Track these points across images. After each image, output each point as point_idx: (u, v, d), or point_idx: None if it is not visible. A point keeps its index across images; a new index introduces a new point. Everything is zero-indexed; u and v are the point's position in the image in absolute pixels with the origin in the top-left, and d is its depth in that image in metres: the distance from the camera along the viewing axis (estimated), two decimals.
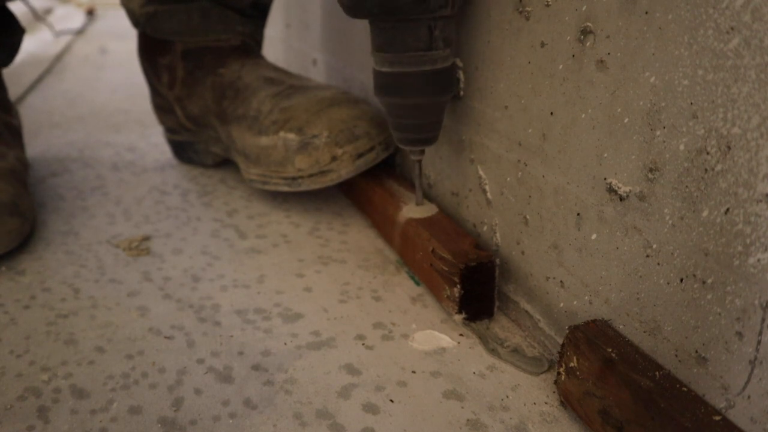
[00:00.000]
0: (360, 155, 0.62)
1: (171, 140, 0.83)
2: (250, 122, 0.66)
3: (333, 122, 0.62)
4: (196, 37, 0.72)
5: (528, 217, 0.48)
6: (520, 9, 0.46)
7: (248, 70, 0.71)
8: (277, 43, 1.26)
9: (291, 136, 0.62)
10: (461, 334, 0.50)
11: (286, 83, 0.68)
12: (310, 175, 0.62)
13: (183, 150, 0.83)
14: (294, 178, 0.63)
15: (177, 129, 0.80)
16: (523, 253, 0.49)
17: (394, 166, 0.72)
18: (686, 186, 0.34)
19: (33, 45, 1.78)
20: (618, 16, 0.37)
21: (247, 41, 0.75)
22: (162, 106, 0.80)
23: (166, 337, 0.49)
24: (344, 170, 0.62)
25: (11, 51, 0.81)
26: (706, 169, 0.33)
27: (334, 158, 0.62)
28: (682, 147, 0.34)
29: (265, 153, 0.64)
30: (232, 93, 0.69)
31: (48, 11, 2.63)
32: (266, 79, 0.69)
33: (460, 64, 0.55)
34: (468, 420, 0.41)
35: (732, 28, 0.30)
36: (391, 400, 0.43)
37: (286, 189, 0.64)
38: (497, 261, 0.50)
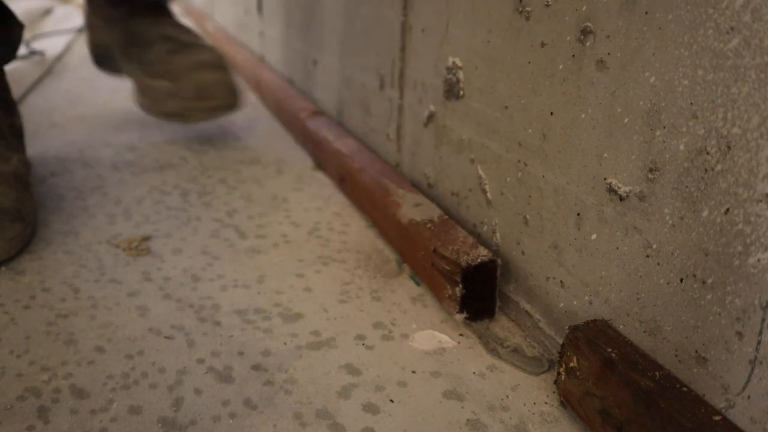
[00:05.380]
0: (211, 110, 0.88)
1: (92, 50, 1.05)
2: (144, 67, 0.90)
3: (200, 82, 0.85)
4: None
5: (528, 217, 0.48)
6: (520, 9, 0.46)
7: (153, 25, 0.92)
8: (277, 43, 1.26)
9: (166, 84, 0.86)
10: (461, 334, 0.50)
11: (179, 40, 0.90)
12: (177, 115, 0.89)
13: (102, 60, 1.06)
14: (166, 113, 0.90)
15: (98, 44, 1.03)
16: (523, 253, 0.49)
17: (395, 166, 0.73)
18: (686, 186, 0.34)
19: (34, 45, 1.78)
20: (618, 16, 0.37)
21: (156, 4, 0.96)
22: (89, 24, 1.03)
23: (166, 337, 0.49)
24: (196, 118, 0.88)
25: (12, 46, 0.81)
26: (706, 169, 0.33)
27: (193, 108, 0.86)
28: (682, 147, 0.34)
29: (150, 90, 0.90)
30: (139, 42, 0.92)
31: (48, 11, 2.63)
32: (164, 37, 0.91)
33: (460, 64, 0.55)
34: (468, 420, 0.41)
35: (732, 28, 0.30)
36: (391, 400, 0.43)
37: (161, 119, 0.93)
38: (498, 261, 0.50)
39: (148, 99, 0.91)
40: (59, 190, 0.77)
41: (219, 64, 0.88)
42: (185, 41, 0.91)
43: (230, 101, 0.87)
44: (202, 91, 0.85)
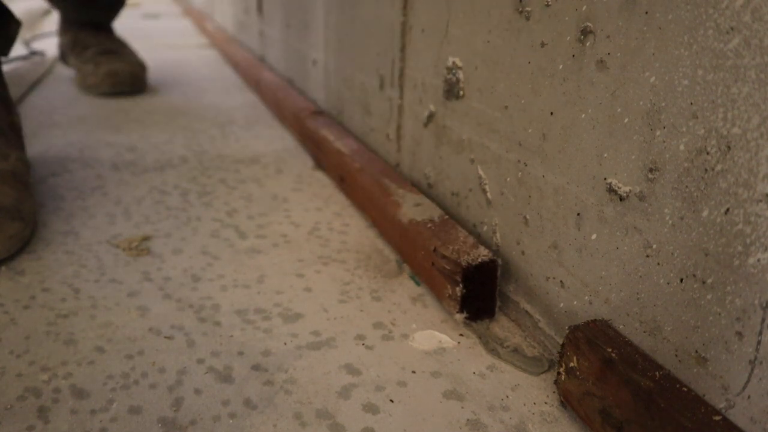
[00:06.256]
0: (116, 85, 1.27)
1: (59, 48, 1.51)
2: (81, 59, 1.34)
3: (112, 68, 1.28)
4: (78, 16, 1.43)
5: (528, 217, 0.48)
6: (520, 9, 0.46)
7: (93, 36, 1.38)
8: (277, 43, 1.26)
9: (91, 66, 1.29)
10: (461, 334, 0.50)
11: (109, 48, 1.33)
12: (94, 87, 1.28)
13: (63, 56, 1.50)
14: (87, 86, 1.29)
15: (62, 44, 1.49)
16: (523, 253, 0.49)
17: (395, 166, 0.72)
18: (686, 186, 0.34)
19: (35, 45, 1.78)
20: (618, 16, 0.37)
21: (102, 22, 1.43)
22: (59, 31, 1.50)
23: (166, 337, 0.49)
24: (102, 90, 1.28)
25: (6, 41, 0.82)
26: (706, 169, 0.33)
27: (102, 83, 1.27)
28: (682, 147, 0.34)
29: (80, 71, 1.32)
30: (81, 44, 1.37)
31: (48, 11, 2.63)
32: (98, 43, 1.36)
33: (460, 64, 0.55)
34: (468, 420, 0.41)
35: (732, 28, 0.30)
36: (391, 400, 0.43)
37: (85, 91, 1.31)
38: (499, 261, 0.50)
39: (79, 77, 1.32)
40: (59, 190, 0.77)
41: (132, 62, 1.31)
42: (113, 49, 1.34)
43: (130, 84, 1.29)
44: (109, 73, 1.27)
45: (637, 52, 0.36)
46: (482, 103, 0.52)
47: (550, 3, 0.42)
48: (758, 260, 0.30)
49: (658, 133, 0.35)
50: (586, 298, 0.43)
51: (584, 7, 0.39)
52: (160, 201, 0.75)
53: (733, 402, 0.33)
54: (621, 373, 0.36)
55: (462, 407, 0.42)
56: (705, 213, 0.33)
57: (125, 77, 1.28)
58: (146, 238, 0.65)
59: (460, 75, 0.55)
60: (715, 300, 0.33)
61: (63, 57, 1.53)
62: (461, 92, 0.55)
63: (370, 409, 0.42)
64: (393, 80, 0.70)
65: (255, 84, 1.33)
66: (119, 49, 1.35)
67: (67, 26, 1.44)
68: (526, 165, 0.47)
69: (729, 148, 0.31)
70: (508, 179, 0.50)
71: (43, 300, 0.54)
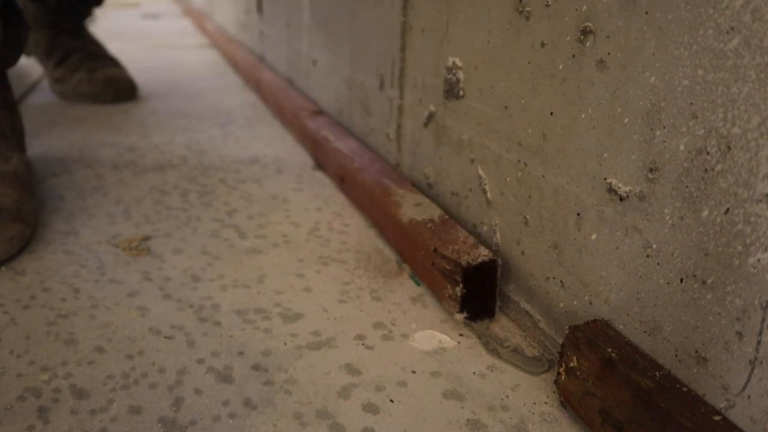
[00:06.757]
0: (115, 93, 1.23)
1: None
2: (66, 65, 1.25)
3: (109, 74, 1.23)
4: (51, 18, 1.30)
5: (528, 217, 0.48)
6: (520, 9, 0.46)
7: (74, 40, 1.28)
8: (277, 43, 1.26)
9: (83, 74, 1.22)
10: (461, 334, 0.50)
11: (93, 52, 1.27)
12: (90, 96, 1.22)
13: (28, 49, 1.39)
14: (78, 93, 1.23)
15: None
16: (523, 253, 0.49)
17: (395, 166, 0.73)
18: (686, 186, 0.34)
19: None
20: (618, 16, 0.37)
21: (79, 28, 1.32)
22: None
23: (166, 337, 0.49)
24: (103, 99, 1.22)
25: (18, 49, 0.81)
26: (706, 169, 0.33)
27: (102, 91, 1.22)
28: (682, 147, 0.34)
29: (68, 80, 1.24)
30: (63, 48, 1.27)
31: None
32: (81, 48, 1.27)
33: (460, 64, 0.55)
34: (468, 420, 0.41)
35: (732, 28, 0.30)
36: (391, 400, 0.43)
37: (75, 99, 1.24)
38: (499, 261, 0.50)
39: (65, 86, 1.24)
40: (59, 190, 0.77)
41: (120, 66, 1.28)
42: (96, 53, 1.29)
43: (130, 91, 1.25)
44: (110, 81, 1.22)
45: (637, 52, 0.36)
46: (482, 103, 0.52)
47: (550, 3, 0.42)
48: (758, 260, 0.30)
49: (658, 133, 0.35)
50: (586, 298, 0.43)
51: (584, 7, 0.39)
52: (160, 201, 0.75)
53: (733, 402, 0.33)
54: (621, 373, 0.36)
55: (462, 407, 0.42)
56: (705, 213, 0.33)
57: (125, 84, 1.24)
58: (146, 238, 0.65)
59: (460, 75, 0.55)
60: (715, 300, 0.33)
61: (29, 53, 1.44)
62: (461, 92, 0.55)
63: (370, 409, 0.42)
64: (393, 80, 0.70)
65: (255, 84, 1.33)
66: (101, 53, 1.29)
67: (39, 26, 1.29)
68: (526, 165, 0.48)
69: (729, 148, 0.31)
70: (508, 179, 0.50)
71: (43, 300, 0.54)
